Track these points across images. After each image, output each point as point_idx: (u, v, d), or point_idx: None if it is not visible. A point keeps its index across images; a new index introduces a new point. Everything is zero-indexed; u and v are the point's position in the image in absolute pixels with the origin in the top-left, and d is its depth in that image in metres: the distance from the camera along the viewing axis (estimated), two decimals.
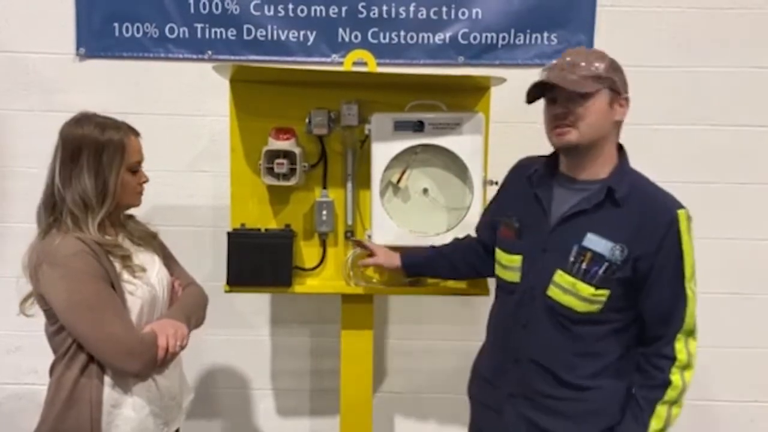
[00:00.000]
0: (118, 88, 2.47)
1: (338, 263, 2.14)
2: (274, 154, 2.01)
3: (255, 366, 2.66)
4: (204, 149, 2.51)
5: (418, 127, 2.00)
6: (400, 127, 1.99)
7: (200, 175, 2.52)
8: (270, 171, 2.02)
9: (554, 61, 1.60)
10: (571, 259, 1.56)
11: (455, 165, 2.00)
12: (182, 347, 1.65)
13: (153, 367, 1.62)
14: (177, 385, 1.76)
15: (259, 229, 2.07)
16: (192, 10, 2.43)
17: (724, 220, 2.53)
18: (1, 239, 2.53)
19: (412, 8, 2.42)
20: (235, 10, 2.43)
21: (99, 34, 2.44)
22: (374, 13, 2.43)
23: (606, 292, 1.54)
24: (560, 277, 1.57)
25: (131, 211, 1.78)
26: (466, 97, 2.07)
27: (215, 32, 2.45)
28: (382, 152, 2.00)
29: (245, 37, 2.45)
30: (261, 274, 2.04)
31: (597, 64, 1.54)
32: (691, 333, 1.54)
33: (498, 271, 1.76)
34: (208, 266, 2.45)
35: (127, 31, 2.45)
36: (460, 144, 1.99)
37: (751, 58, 2.46)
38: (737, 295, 2.57)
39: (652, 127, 2.49)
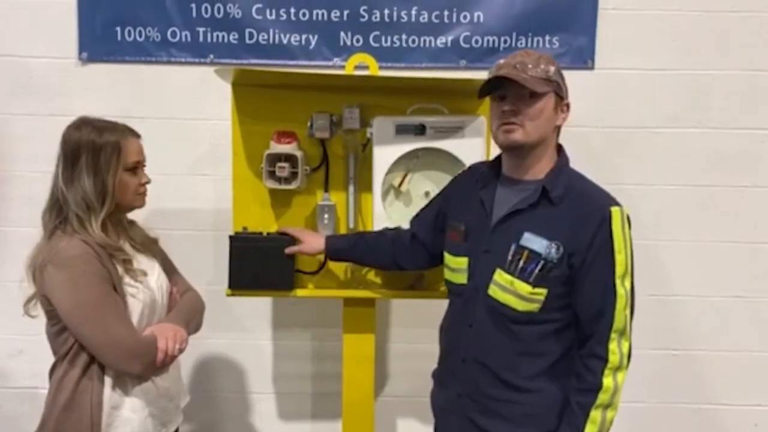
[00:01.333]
0: (120, 92, 2.47)
1: (340, 267, 2.14)
2: (275, 158, 2.01)
3: (256, 370, 2.66)
4: (206, 153, 2.51)
5: (420, 130, 2.00)
6: (402, 130, 2.00)
7: (202, 178, 2.52)
8: (272, 174, 2.02)
9: (502, 60, 1.61)
10: (509, 257, 1.58)
11: (457, 168, 2.00)
12: (181, 350, 1.68)
13: (153, 370, 1.64)
14: (176, 386, 1.77)
15: (260, 233, 2.07)
16: (194, 14, 2.43)
17: (725, 224, 2.53)
18: (2, 243, 2.53)
19: (413, 12, 2.42)
20: (237, 14, 2.43)
21: (101, 39, 2.45)
22: (376, 17, 2.43)
23: (543, 291, 1.56)
24: (499, 275, 1.60)
25: (134, 216, 1.80)
26: (468, 100, 2.06)
27: (217, 36, 2.45)
28: (384, 156, 2.00)
29: (247, 40, 2.45)
30: (262, 277, 2.03)
31: (548, 67, 1.56)
32: (623, 333, 1.55)
33: (446, 274, 1.78)
34: (209, 270, 2.44)
35: (129, 36, 2.45)
36: (461, 147, 1.99)
37: (753, 61, 2.46)
38: (740, 298, 2.56)
39: (654, 130, 2.49)
